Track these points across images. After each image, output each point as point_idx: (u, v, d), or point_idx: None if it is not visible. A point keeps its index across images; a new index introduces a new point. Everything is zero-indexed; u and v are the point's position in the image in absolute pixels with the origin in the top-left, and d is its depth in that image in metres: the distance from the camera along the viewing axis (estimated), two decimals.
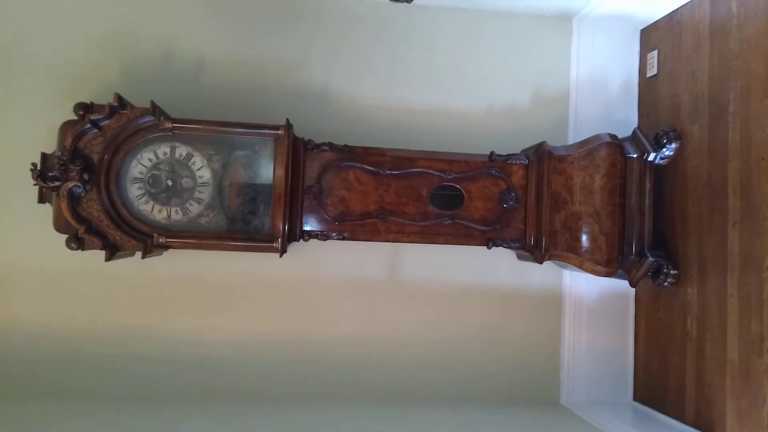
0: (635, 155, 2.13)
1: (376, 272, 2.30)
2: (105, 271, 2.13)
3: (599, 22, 2.40)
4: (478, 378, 2.29)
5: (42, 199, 1.90)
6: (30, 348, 2.11)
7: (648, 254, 2.09)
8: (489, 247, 2.06)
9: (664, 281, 2.10)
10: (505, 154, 2.10)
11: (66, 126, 1.90)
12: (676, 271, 2.09)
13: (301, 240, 1.99)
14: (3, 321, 2.11)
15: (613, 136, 2.10)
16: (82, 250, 1.80)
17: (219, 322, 2.21)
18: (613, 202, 2.06)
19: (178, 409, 2.06)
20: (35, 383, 2.11)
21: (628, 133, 2.17)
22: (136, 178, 1.92)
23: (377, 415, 2.12)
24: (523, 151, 2.22)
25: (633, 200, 2.12)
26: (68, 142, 1.81)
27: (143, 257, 1.85)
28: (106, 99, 1.87)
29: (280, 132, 1.94)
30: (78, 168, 1.80)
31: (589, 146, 2.10)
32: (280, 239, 1.91)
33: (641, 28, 2.42)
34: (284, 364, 2.22)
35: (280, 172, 1.93)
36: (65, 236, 1.81)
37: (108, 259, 1.81)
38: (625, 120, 2.39)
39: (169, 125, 1.89)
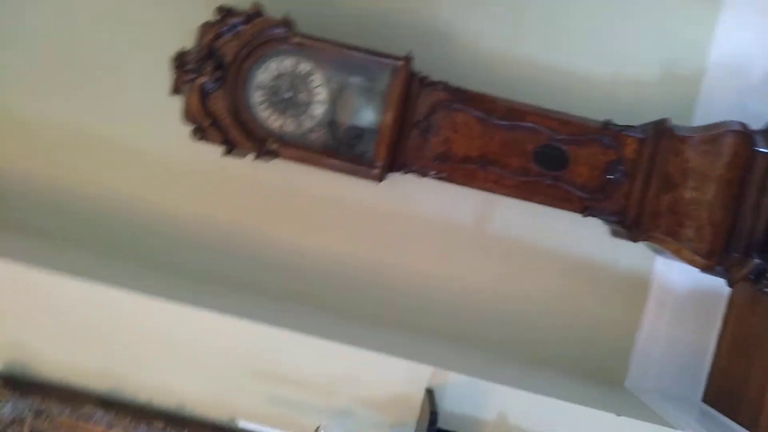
0: (765, 150, 1.98)
1: (464, 217, 2.33)
2: (217, 167, 2.29)
3: (756, 0, 2.20)
4: (545, 341, 2.29)
5: (174, 91, 2.05)
6: (135, 221, 2.36)
7: (754, 255, 1.97)
8: (584, 216, 2.02)
9: (767, 287, 1.98)
10: (621, 124, 2.03)
11: (205, 26, 2.01)
12: None
13: (400, 172, 2.04)
14: (115, 192, 2.36)
15: (744, 125, 1.96)
16: (205, 141, 1.96)
17: (306, 234, 2.35)
18: (729, 193, 1.94)
19: (253, 299, 2.29)
20: (138, 253, 2.37)
21: (761, 126, 2.02)
22: (259, 85, 2.03)
23: (436, 348, 2.21)
24: (641, 125, 2.12)
25: (751, 196, 1.98)
26: (207, 39, 1.95)
27: (255, 159, 1.98)
28: (244, 7, 1.97)
29: (399, 63, 1.97)
30: (212, 66, 1.93)
31: (714, 131, 1.97)
32: (380, 167, 1.98)
33: None
34: (358, 285, 2.34)
35: (392, 103, 1.97)
36: (191, 127, 1.98)
37: (225, 154, 1.96)
38: (760, 112, 2.20)
39: (297, 39, 1.97)
